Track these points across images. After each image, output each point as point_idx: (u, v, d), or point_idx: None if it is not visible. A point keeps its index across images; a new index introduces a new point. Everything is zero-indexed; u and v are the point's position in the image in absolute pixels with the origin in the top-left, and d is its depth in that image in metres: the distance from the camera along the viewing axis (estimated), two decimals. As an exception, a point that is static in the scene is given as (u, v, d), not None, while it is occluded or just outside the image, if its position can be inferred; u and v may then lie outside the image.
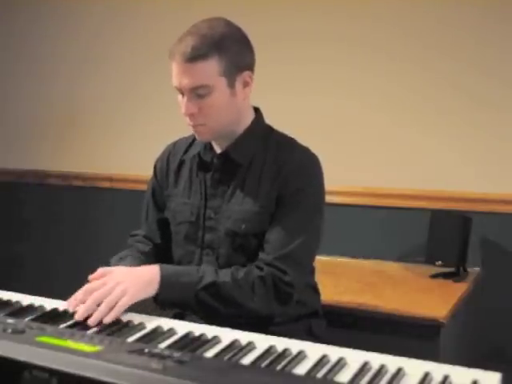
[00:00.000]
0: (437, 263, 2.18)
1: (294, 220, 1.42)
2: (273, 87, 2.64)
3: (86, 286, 1.29)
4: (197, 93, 1.38)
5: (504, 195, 2.32)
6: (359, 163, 2.56)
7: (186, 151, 1.58)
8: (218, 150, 1.51)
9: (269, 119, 1.60)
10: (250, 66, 1.45)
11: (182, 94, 1.41)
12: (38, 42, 3.29)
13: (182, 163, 1.57)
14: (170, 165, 1.60)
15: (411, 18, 2.45)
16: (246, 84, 1.44)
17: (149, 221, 1.64)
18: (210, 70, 1.36)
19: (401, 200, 2.49)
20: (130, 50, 3.04)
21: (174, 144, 1.64)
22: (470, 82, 2.37)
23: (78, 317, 1.20)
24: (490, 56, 2.34)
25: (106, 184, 3.12)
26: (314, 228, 1.45)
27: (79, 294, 1.27)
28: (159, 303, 1.35)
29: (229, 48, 1.38)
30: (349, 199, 2.57)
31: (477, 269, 2.26)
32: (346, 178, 2.55)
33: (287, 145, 1.50)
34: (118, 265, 1.47)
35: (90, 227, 3.21)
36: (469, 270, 2.20)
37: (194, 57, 1.34)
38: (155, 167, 1.65)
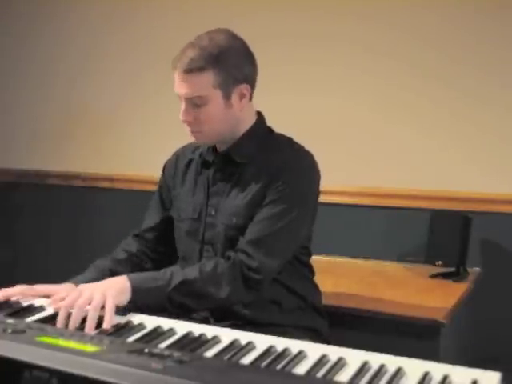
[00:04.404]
0: (437, 263, 2.18)
1: (274, 210, 1.45)
2: (270, 88, 2.63)
3: (64, 303, 1.23)
4: (193, 102, 1.44)
5: (504, 195, 2.32)
6: (359, 163, 2.55)
7: (193, 151, 1.65)
8: (220, 150, 1.57)
9: (266, 120, 1.61)
10: (247, 79, 1.49)
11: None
12: (37, 42, 3.29)
13: (189, 162, 1.63)
14: (179, 166, 1.66)
15: (410, 18, 2.45)
16: (242, 96, 1.49)
17: (150, 216, 1.69)
18: (206, 82, 1.42)
19: (401, 200, 2.48)
20: (130, 51, 3.04)
21: (183, 147, 1.71)
22: (470, 82, 2.37)
23: (71, 327, 1.19)
24: (492, 55, 2.33)
25: (107, 184, 3.11)
26: (294, 219, 1.46)
27: (62, 314, 1.22)
28: (134, 308, 1.32)
29: (226, 61, 1.43)
30: (349, 199, 2.57)
31: (477, 269, 2.25)
32: (345, 177, 2.55)
33: (283, 144, 1.55)
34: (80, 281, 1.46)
35: (89, 227, 3.20)
36: (469, 269, 2.20)
37: (191, 69, 1.41)
38: (164, 167, 1.71)
